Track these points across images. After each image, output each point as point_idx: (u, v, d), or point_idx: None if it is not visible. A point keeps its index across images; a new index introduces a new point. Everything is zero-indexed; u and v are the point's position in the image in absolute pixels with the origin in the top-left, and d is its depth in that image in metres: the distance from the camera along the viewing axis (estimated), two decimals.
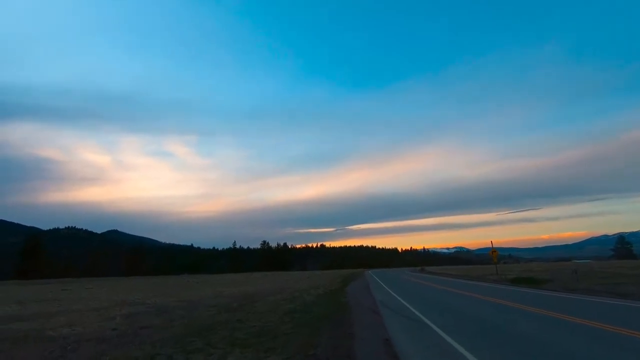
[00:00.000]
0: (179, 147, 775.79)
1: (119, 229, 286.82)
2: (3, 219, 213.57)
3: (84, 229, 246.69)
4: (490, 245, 30.97)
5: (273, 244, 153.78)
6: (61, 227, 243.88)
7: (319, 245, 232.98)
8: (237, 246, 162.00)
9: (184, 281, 48.26)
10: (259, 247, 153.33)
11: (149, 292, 27.86)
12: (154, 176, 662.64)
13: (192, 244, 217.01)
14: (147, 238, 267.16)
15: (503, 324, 8.73)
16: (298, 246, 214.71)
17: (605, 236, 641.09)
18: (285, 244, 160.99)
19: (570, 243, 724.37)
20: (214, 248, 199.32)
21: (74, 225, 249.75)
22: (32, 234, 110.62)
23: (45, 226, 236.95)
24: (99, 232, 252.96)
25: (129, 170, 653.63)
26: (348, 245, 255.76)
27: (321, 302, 14.87)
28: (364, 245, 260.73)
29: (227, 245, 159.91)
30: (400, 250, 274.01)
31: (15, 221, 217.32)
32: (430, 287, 22.63)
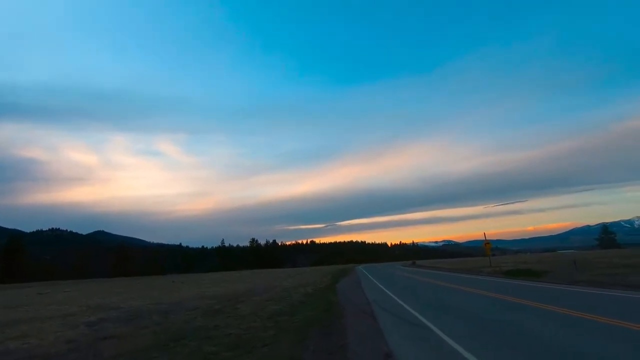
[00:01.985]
0: (169, 146, 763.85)
1: (105, 230, 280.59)
2: None
3: (68, 230, 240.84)
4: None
5: (263, 242, 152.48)
6: (44, 228, 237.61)
7: (309, 242, 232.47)
8: (227, 244, 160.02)
9: (170, 282, 46.58)
10: (248, 245, 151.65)
11: (129, 294, 26.31)
12: (142, 175, 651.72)
13: (180, 244, 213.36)
14: (135, 238, 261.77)
15: (525, 328, 7.14)
16: (288, 243, 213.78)
17: (588, 227, 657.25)
18: (274, 241, 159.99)
19: (554, 234, 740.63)
20: (203, 247, 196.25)
21: (57, 227, 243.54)
22: (13, 236, 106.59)
23: (28, 228, 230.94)
24: (84, 233, 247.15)
25: (117, 169, 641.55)
26: (338, 241, 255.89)
27: (309, 302, 13.65)
28: (354, 240, 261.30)
29: (217, 243, 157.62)
30: (389, 245, 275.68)
31: None
32: (425, 283, 21.51)
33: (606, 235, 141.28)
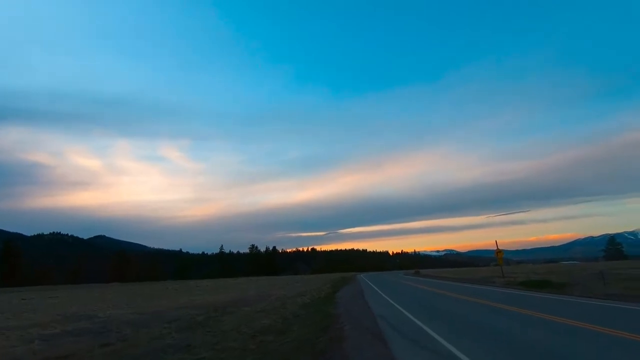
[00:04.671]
0: (172, 152, 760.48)
1: (106, 235, 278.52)
2: None
3: (69, 234, 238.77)
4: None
5: (263, 249, 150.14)
6: (45, 232, 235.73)
7: (309, 249, 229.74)
8: (227, 251, 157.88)
9: (164, 288, 44.84)
10: (248, 251, 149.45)
11: (114, 301, 24.59)
12: (145, 181, 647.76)
13: (181, 249, 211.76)
14: (135, 243, 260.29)
15: None
16: (289, 250, 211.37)
17: (591, 238, 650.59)
18: (274, 248, 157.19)
19: (557, 245, 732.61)
20: (203, 253, 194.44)
21: (58, 231, 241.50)
22: (8, 240, 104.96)
23: (29, 232, 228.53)
24: (85, 237, 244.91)
25: (121, 174, 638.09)
26: (339, 248, 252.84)
27: (305, 316, 11.80)
28: (355, 248, 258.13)
29: (217, 250, 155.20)
30: (391, 254, 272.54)
31: None
32: (437, 294, 19.08)
33: (613, 247, 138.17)
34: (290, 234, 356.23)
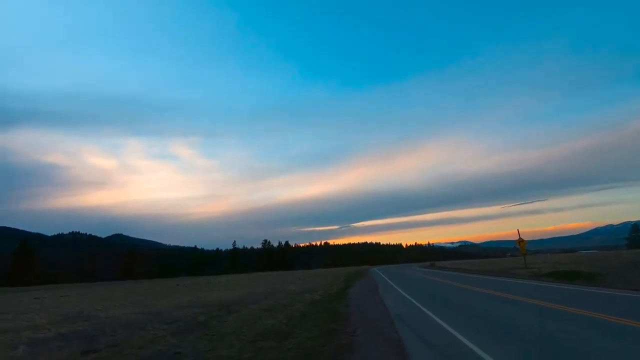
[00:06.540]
0: (184, 149, 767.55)
1: (123, 233, 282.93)
2: (8, 226, 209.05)
3: (87, 233, 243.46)
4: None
5: (276, 244, 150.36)
6: (65, 232, 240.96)
7: (322, 243, 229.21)
8: (240, 247, 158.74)
9: (174, 285, 44.46)
10: (261, 246, 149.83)
11: (122, 300, 24.06)
12: (158, 179, 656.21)
13: (195, 246, 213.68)
14: (151, 241, 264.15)
15: None
16: (301, 245, 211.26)
17: (611, 226, 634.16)
18: (287, 243, 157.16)
19: (575, 234, 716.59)
20: (217, 249, 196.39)
21: (77, 230, 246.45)
22: (23, 239, 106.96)
23: (50, 232, 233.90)
24: (103, 236, 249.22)
25: (134, 173, 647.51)
26: (352, 242, 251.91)
27: (313, 316, 10.67)
28: (368, 242, 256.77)
29: (231, 246, 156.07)
30: (404, 246, 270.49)
31: (20, 228, 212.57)
32: (459, 289, 16.97)
33: (636, 234, 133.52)
34: (303, 229, 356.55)
